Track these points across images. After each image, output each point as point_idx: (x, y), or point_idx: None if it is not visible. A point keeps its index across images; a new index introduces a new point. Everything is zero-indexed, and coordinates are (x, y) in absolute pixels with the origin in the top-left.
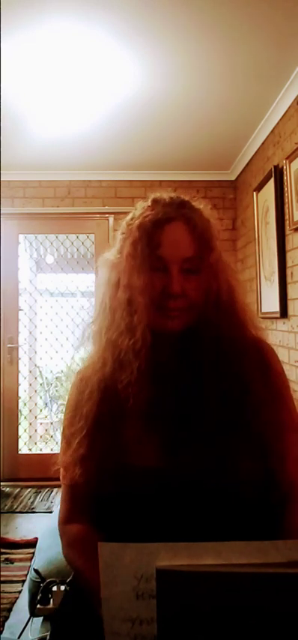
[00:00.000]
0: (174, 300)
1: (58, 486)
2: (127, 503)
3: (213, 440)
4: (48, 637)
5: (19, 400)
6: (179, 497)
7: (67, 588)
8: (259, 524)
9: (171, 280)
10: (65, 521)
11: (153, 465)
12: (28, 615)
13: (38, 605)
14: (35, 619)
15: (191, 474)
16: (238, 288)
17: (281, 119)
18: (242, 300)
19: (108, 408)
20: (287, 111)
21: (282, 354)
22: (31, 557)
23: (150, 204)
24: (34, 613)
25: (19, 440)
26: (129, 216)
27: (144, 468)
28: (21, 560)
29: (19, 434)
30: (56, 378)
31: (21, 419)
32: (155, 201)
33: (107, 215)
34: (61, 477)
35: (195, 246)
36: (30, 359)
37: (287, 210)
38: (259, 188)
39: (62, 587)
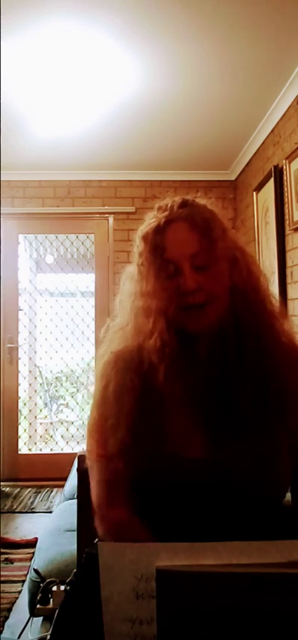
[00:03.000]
0: (192, 296)
1: (58, 486)
2: (174, 492)
3: (254, 437)
4: (48, 637)
5: (19, 400)
6: (224, 491)
7: (67, 588)
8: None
9: (184, 278)
10: (106, 504)
11: (201, 457)
12: (28, 615)
13: (38, 605)
14: (35, 619)
15: (237, 468)
16: (261, 275)
17: (280, 119)
18: (267, 288)
19: (149, 397)
20: (286, 111)
21: None
22: (31, 557)
23: (155, 212)
24: (33, 613)
25: (19, 440)
26: (139, 229)
27: (191, 459)
28: (21, 560)
29: (19, 434)
30: (56, 378)
31: (21, 419)
32: (159, 209)
33: (107, 215)
34: (90, 457)
35: (200, 240)
36: (30, 359)
37: (286, 210)
38: (259, 188)
39: (62, 587)
